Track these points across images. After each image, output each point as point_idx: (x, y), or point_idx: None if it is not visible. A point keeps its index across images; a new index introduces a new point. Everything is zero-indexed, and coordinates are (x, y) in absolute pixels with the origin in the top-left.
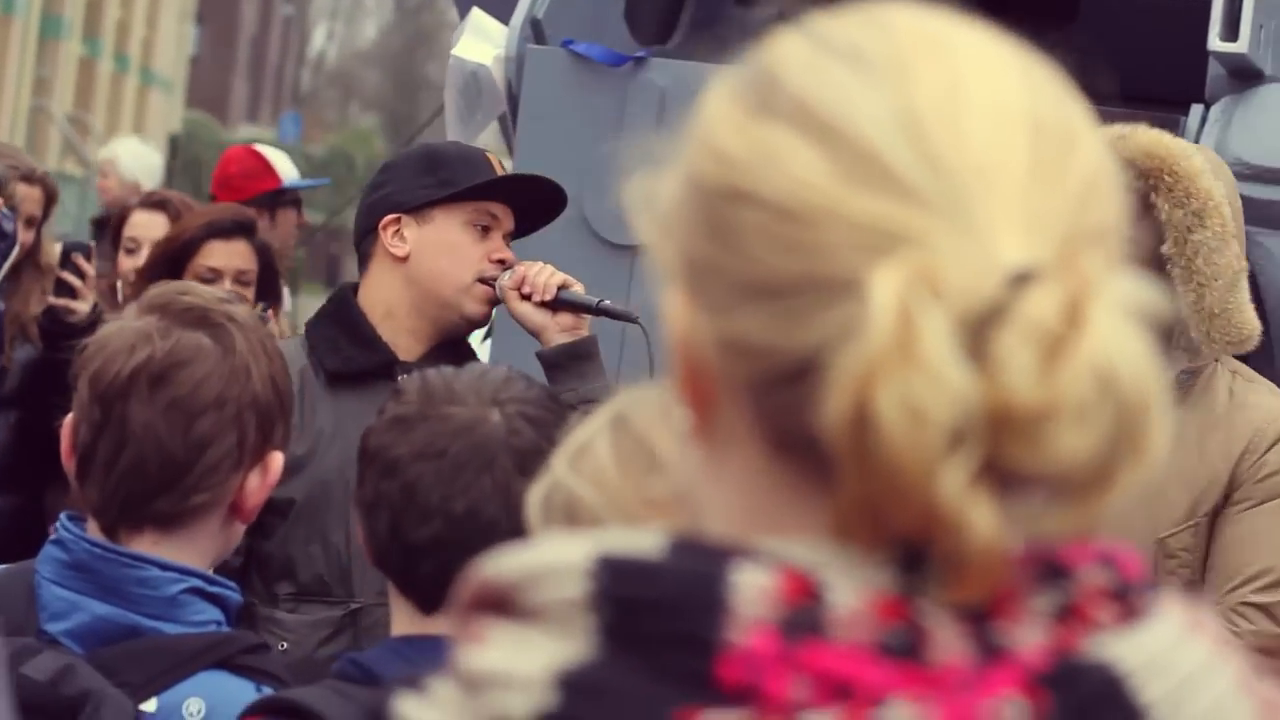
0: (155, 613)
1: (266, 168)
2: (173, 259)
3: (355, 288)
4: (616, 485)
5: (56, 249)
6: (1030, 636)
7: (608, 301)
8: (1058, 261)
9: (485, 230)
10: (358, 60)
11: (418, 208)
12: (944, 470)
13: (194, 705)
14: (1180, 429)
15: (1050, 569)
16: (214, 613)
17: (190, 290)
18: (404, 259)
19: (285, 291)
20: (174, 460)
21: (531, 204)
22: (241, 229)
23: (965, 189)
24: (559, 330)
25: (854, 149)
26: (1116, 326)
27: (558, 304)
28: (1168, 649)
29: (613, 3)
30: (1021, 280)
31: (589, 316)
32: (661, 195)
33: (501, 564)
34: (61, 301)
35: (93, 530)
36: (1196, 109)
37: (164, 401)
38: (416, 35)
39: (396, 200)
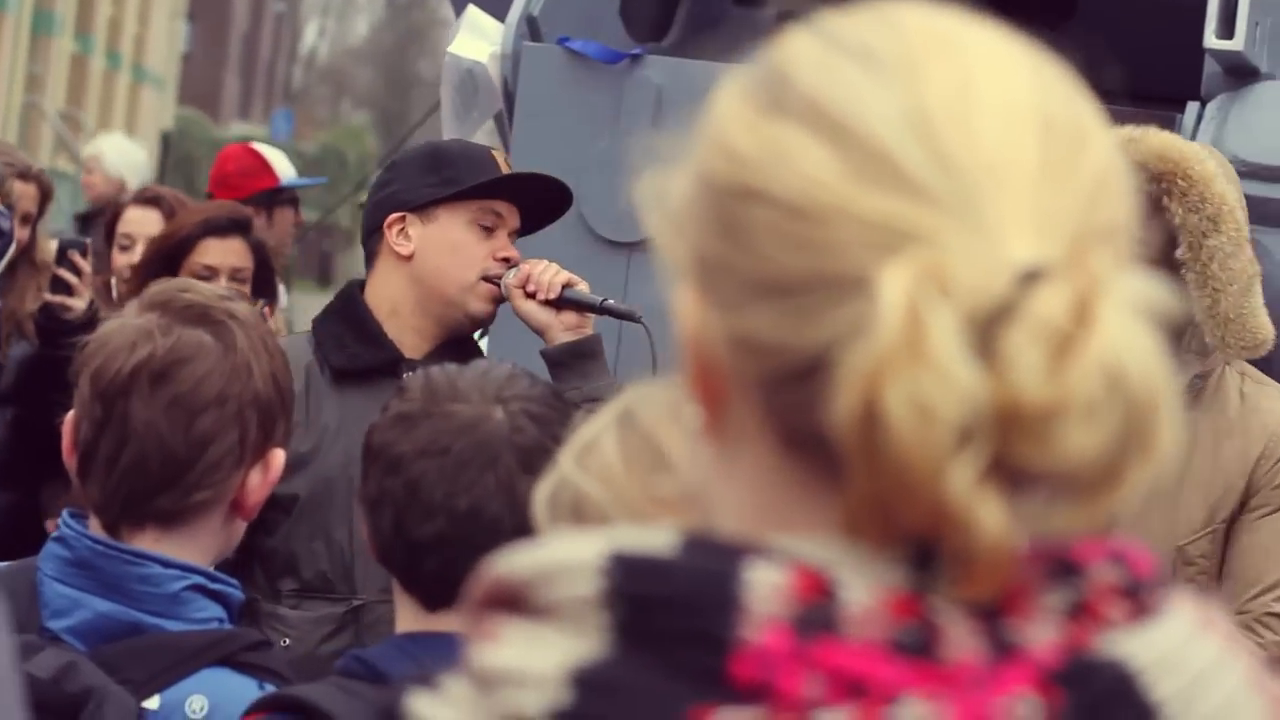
0: (157, 610)
1: (264, 166)
2: (168, 256)
3: (362, 284)
4: (623, 482)
5: (52, 246)
6: (1042, 634)
7: (611, 300)
8: (1067, 260)
9: (490, 228)
10: (349, 57)
11: (422, 206)
12: (952, 467)
13: (196, 702)
14: (1195, 435)
15: (1061, 566)
16: (216, 610)
17: (191, 288)
18: (408, 258)
19: (281, 289)
20: (175, 458)
21: (537, 201)
22: (237, 227)
23: (975, 187)
24: (563, 329)
25: (864, 147)
26: (1125, 325)
27: (562, 302)
28: (1179, 646)
29: (608, 0)
30: (1031, 278)
31: (593, 315)
32: (672, 193)
33: (514, 561)
34: (58, 299)
35: (95, 527)
36: (1192, 106)
37: (165, 399)
38: (408, 32)
39: (401, 199)
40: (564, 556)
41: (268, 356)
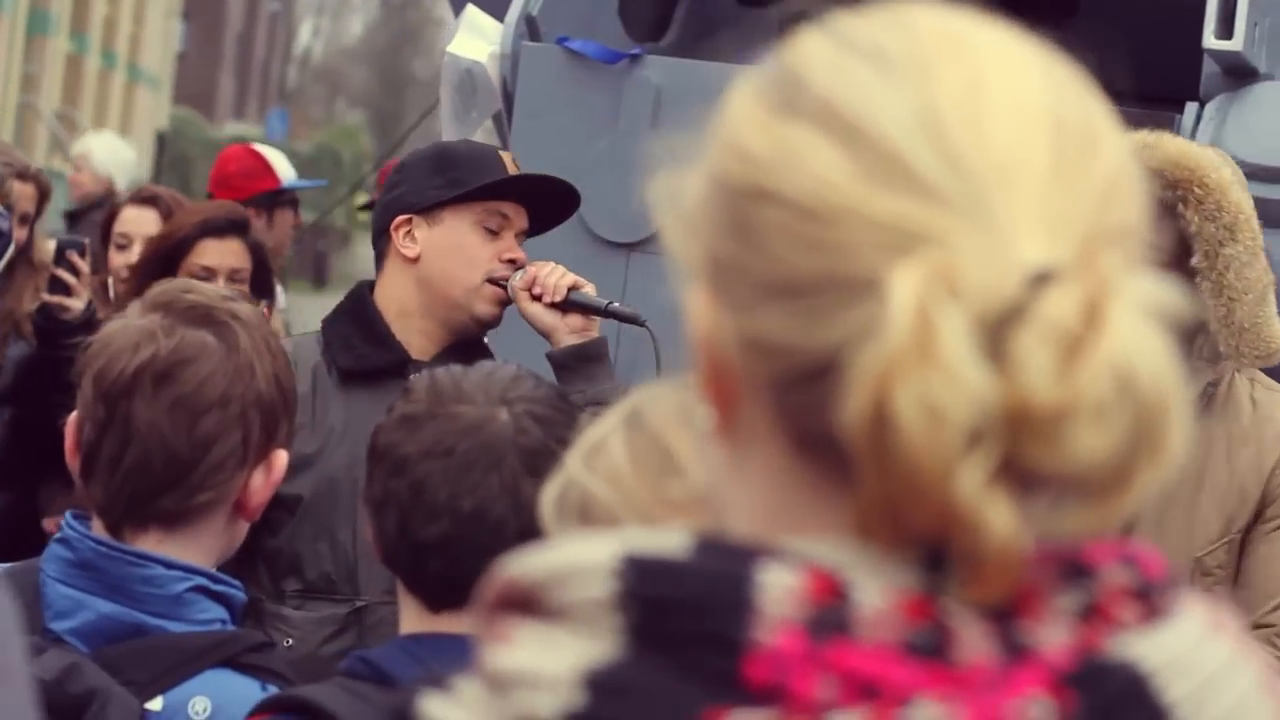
0: (160, 611)
1: (265, 168)
2: (166, 257)
3: (372, 285)
4: (631, 483)
5: (50, 246)
6: (1054, 636)
7: (617, 304)
8: (1077, 261)
9: (495, 230)
10: (344, 57)
11: (428, 208)
12: (962, 469)
13: (199, 704)
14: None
15: (1073, 568)
16: (219, 611)
17: (194, 288)
18: (415, 260)
19: (279, 290)
20: (178, 458)
21: (545, 202)
22: (235, 227)
23: (986, 188)
24: (569, 331)
25: (876, 148)
26: (1135, 327)
27: (568, 305)
28: (1190, 648)
29: (607, 0)
30: (1041, 280)
31: (598, 318)
32: (685, 194)
33: (526, 563)
34: (56, 299)
35: (97, 529)
36: (1191, 107)
37: (168, 400)
38: (403, 32)
39: (408, 201)
40: (577, 558)
41: (271, 357)
